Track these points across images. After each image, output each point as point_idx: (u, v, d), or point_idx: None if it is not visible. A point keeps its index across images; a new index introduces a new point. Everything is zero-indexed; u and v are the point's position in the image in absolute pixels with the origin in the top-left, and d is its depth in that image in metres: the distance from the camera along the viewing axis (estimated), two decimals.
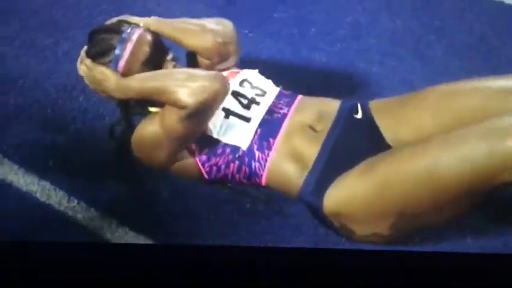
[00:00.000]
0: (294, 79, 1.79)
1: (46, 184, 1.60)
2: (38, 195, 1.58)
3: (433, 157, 1.25)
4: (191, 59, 1.58)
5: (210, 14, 1.68)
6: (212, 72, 1.43)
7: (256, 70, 1.59)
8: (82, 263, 1.17)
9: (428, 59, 1.92)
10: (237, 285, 1.20)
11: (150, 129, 1.43)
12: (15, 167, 1.64)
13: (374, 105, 1.50)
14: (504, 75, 1.41)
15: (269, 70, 1.72)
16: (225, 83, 1.42)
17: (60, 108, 1.76)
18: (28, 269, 1.14)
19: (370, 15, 2.04)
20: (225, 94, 1.43)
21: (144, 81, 1.41)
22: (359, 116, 1.48)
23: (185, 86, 1.35)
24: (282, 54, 1.93)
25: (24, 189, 1.60)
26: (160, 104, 1.43)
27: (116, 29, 1.46)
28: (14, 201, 1.58)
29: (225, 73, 1.55)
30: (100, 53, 1.44)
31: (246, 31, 1.98)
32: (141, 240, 1.49)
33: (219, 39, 1.54)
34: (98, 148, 1.64)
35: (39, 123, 1.74)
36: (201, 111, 1.37)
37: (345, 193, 1.35)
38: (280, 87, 1.57)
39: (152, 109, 1.50)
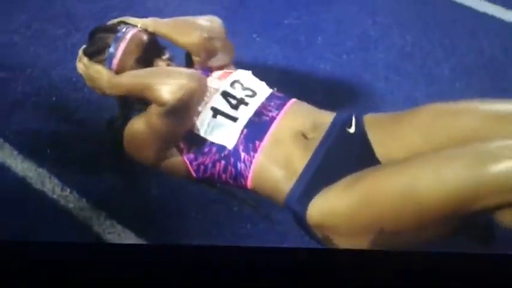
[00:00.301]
0: (297, 86, 1.80)
1: (42, 171, 1.64)
2: (33, 181, 1.62)
3: (413, 176, 1.25)
4: (189, 59, 1.61)
5: (221, 15, 1.69)
6: (190, 71, 1.46)
7: (250, 71, 1.59)
8: (79, 263, 1.17)
9: (435, 77, 1.90)
10: (236, 285, 1.20)
11: (137, 126, 1.46)
12: (15, 152, 1.68)
13: (368, 119, 1.49)
14: (501, 99, 1.40)
15: (273, 75, 1.73)
16: (201, 81, 1.46)
17: (64, 99, 1.80)
18: (24, 269, 1.15)
19: (380, 29, 2.03)
20: (203, 92, 1.46)
21: (131, 78, 1.45)
22: (352, 130, 1.47)
23: (164, 83, 1.38)
24: (287, 60, 1.93)
25: (21, 174, 1.64)
26: None
27: (113, 29, 1.51)
28: (10, 185, 1.62)
29: (219, 73, 1.57)
30: (96, 52, 1.50)
31: (255, 35, 2.00)
32: (127, 233, 1.52)
33: (205, 35, 1.56)
34: (96, 141, 1.67)
35: (43, 112, 1.78)
36: (179, 108, 1.40)
37: (328, 205, 1.35)
38: (274, 89, 1.57)
39: None
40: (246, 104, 1.49)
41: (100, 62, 1.49)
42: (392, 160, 1.39)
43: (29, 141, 1.70)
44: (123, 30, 1.50)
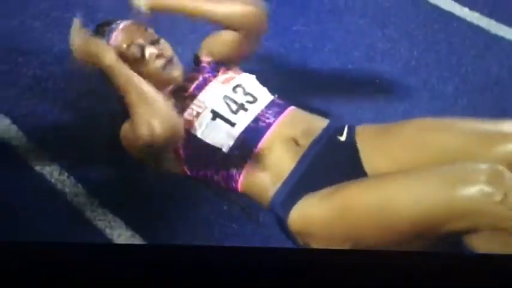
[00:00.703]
0: (299, 92, 1.82)
1: (44, 154, 1.70)
2: (34, 163, 1.68)
3: (390, 192, 1.27)
4: (197, 59, 1.66)
5: None
6: (170, 114, 1.41)
7: (254, 76, 1.61)
8: (79, 263, 1.20)
9: (437, 94, 1.90)
10: (236, 285, 1.22)
11: (124, 132, 1.48)
12: (21, 134, 1.75)
13: (360, 130, 1.51)
14: (491, 120, 1.41)
15: (277, 80, 1.75)
16: (176, 128, 1.42)
17: (72, 86, 1.86)
18: (24, 269, 1.18)
19: (388, 42, 2.03)
20: (178, 136, 1.45)
21: (124, 79, 1.45)
22: (343, 138, 1.49)
23: (141, 121, 1.37)
24: (292, 66, 1.96)
25: (23, 155, 1.70)
26: None
27: (111, 22, 1.58)
28: (11, 165, 1.68)
29: (223, 77, 1.59)
30: None
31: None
32: (118, 222, 1.57)
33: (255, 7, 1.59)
34: (97, 131, 1.72)
35: (51, 97, 1.84)
36: (149, 148, 1.39)
37: (307, 212, 1.38)
38: (275, 96, 1.59)
39: None
40: (246, 110, 1.52)
41: None
42: (378, 172, 1.41)
43: (35, 125, 1.76)
44: (118, 22, 1.58)
